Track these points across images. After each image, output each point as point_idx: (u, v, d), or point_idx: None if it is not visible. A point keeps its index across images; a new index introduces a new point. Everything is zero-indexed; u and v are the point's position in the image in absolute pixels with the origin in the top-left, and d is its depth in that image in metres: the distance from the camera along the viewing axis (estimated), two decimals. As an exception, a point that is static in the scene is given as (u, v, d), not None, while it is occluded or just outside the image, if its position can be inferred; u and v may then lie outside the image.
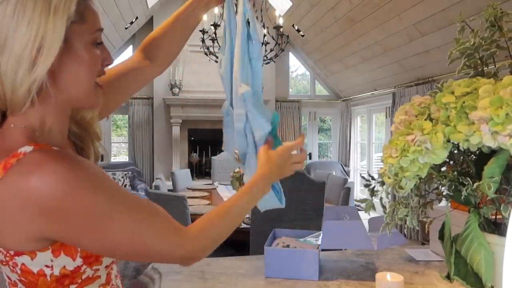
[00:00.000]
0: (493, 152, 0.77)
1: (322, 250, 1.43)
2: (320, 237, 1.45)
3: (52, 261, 0.62)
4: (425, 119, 0.84)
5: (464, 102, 0.76)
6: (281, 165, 0.89)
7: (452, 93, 0.79)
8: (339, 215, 1.58)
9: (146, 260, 0.70)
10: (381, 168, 0.90)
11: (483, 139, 0.72)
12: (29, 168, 0.57)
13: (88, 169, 0.61)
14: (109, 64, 0.72)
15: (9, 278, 0.66)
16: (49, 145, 0.63)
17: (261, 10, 4.92)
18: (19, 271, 0.63)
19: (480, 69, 0.88)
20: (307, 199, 2.74)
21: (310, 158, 7.98)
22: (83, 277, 0.66)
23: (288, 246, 1.40)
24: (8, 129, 0.64)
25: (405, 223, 0.90)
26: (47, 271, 0.62)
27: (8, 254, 0.62)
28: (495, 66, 0.88)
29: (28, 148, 0.60)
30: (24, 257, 0.61)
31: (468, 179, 0.79)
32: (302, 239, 1.47)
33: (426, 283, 1.26)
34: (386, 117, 6.36)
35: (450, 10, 3.86)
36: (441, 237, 0.87)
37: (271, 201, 0.96)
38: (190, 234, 0.70)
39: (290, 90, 8.05)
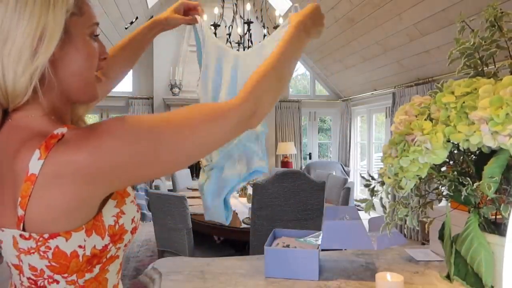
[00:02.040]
0: (493, 152, 0.77)
1: (322, 250, 1.43)
2: (320, 237, 1.45)
3: (85, 241, 0.63)
4: (425, 119, 0.84)
5: (464, 102, 0.76)
6: (314, 17, 0.91)
7: (452, 93, 0.79)
8: (339, 215, 1.57)
9: (219, 142, 0.72)
10: (381, 168, 0.90)
11: (483, 139, 0.72)
12: (75, 143, 0.60)
13: (122, 124, 0.63)
14: (105, 58, 0.74)
15: (33, 268, 0.64)
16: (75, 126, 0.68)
17: (261, 10, 4.92)
18: (50, 256, 0.62)
19: (480, 69, 0.88)
20: (307, 199, 2.74)
21: (310, 158, 7.98)
22: (108, 256, 0.69)
23: (288, 246, 1.40)
24: (26, 119, 0.66)
25: (405, 223, 0.90)
26: (80, 252, 0.64)
27: (41, 238, 0.62)
28: (495, 66, 0.88)
29: (63, 130, 0.63)
30: (59, 239, 0.62)
31: (468, 179, 0.79)
32: (302, 239, 1.47)
33: (426, 283, 1.26)
34: (386, 117, 6.36)
35: (450, 10, 3.86)
36: (441, 237, 0.87)
37: (218, 214, 1.03)
38: (239, 97, 0.74)
39: (290, 90, 8.05)
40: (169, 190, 4.27)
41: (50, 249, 0.62)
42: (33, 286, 0.66)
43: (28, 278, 0.66)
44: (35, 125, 0.65)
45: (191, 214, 3.09)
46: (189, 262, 1.47)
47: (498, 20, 0.85)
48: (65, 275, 0.65)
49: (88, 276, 0.67)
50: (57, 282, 0.65)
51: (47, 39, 0.62)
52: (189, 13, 1.13)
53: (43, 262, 0.63)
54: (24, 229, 0.61)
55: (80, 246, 0.63)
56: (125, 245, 0.73)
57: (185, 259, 1.53)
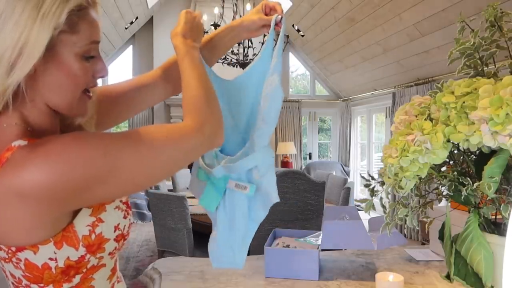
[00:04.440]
0: (493, 152, 0.77)
1: (322, 250, 1.43)
2: (320, 237, 1.45)
3: (55, 253, 0.62)
4: (425, 119, 0.84)
5: (464, 102, 0.76)
6: (187, 22, 0.85)
7: (452, 93, 0.79)
8: (339, 215, 1.57)
9: (172, 170, 0.69)
10: (381, 168, 0.90)
11: (483, 139, 0.72)
12: (20, 162, 0.56)
13: (68, 139, 0.59)
14: (102, 76, 0.70)
15: (12, 276, 0.65)
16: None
17: (261, 10, 4.91)
18: (23, 267, 0.62)
19: (480, 69, 0.88)
20: (307, 199, 2.74)
21: (310, 158, 7.98)
22: (88, 266, 0.66)
23: (288, 246, 1.40)
24: (1, 128, 0.63)
25: (405, 223, 0.90)
26: (52, 264, 0.62)
27: (10, 251, 0.61)
28: (495, 66, 0.88)
29: (22, 142, 0.60)
30: (26, 252, 0.61)
31: (468, 179, 0.79)
32: (302, 239, 1.47)
33: (426, 283, 1.26)
34: (386, 117, 6.36)
35: (450, 10, 3.86)
36: (441, 237, 0.87)
37: (226, 259, 0.93)
38: (182, 126, 0.70)
39: (290, 90, 8.05)
40: (169, 190, 4.27)
41: (21, 260, 0.62)
42: None
43: (12, 283, 0.67)
44: (3, 134, 0.62)
45: (191, 214, 3.09)
46: (189, 262, 1.47)
47: (498, 20, 0.85)
48: (41, 285, 0.64)
49: (66, 286, 0.65)
50: None
51: (25, 57, 0.57)
52: (269, 14, 0.94)
53: (18, 272, 0.63)
54: None
55: (51, 259, 0.62)
56: (110, 253, 0.70)
57: (185, 259, 1.53)
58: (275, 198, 0.90)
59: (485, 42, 0.86)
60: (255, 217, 0.91)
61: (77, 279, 0.66)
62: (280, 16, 0.90)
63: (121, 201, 0.72)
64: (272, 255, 1.33)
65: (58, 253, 0.62)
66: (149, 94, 0.92)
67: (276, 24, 0.90)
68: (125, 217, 0.71)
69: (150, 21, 7.06)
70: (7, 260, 0.64)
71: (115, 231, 0.69)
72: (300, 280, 1.30)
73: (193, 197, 3.97)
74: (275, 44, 0.90)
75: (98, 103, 0.81)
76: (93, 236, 0.65)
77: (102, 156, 0.58)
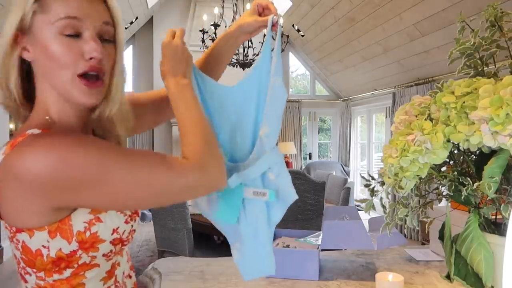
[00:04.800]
0: (493, 152, 0.77)
1: (322, 250, 1.43)
2: (320, 237, 1.45)
3: (48, 242, 0.63)
4: (425, 119, 0.84)
5: (464, 102, 0.76)
6: (171, 55, 0.82)
7: (452, 93, 0.79)
8: (339, 215, 1.57)
9: (162, 201, 0.69)
10: (381, 168, 0.90)
11: (483, 139, 0.72)
12: (24, 148, 0.60)
13: (74, 138, 0.63)
14: (93, 58, 0.66)
15: (15, 256, 0.69)
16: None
17: (261, 10, 4.91)
18: (20, 249, 0.65)
19: (480, 69, 0.88)
20: (307, 199, 2.74)
21: (310, 158, 7.98)
22: (80, 262, 0.66)
23: (288, 246, 1.40)
24: (28, 118, 0.70)
25: (405, 223, 0.90)
26: (44, 252, 0.64)
27: (12, 231, 0.65)
28: (495, 66, 0.88)
29: (35, 131, 0.64)
30: (23, 234, 0.63)
31: (468, 179, 0.79)
32: (302, 239, 1.47)
33: (426, 283, 1.26)
34: (386, 117, 6.36)
35: (450, 10, 3.86)
36: (441, 237, 0.87)
37: (257, 269, 0.90)
38: (184, 162, 0.69)
39: (290, 90, 8.05)
40: (169, 190, 4.25)
41: (19, 242, 0.65)
42: (21, 271, 0.69)
43: (17, 264, 0.70)
44: (26, 123, 0.69)
45: (191, 214, 3.08)
46: (189, 262, 1.47)
47: (498, 20, 0.85)
48: (34, 270, 0.66)
49: (57, 277, 0.66)
50: (29, 274, 0.67)
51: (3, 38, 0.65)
52: (263, 14, 0.91)
53: (18, 253, 0.67)
54: (1, 217, 0.66)
55: (43, 246, 0.64)
56: (105, 255, 0.69)
57: (185, 259, 1.53)
58: (294, 195, 0.89)
59: (485, 42, 0.86)
60: (275, 219, 0.90)
61: (67, 272, 0.67)
62: (275, 17, 0.88)
63: None
64: (272, 255, 1.33)
65: (51, 242, 0.63)
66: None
67: (272, 25, 0.88)
68: (127, 222, 0.71)
69: (150, 21, 7.06)
70: (10, 240, 0.67)
71: (112, 233, 0.68)
72: (300, 280, 1.30)
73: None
74: (273, 45, 0.89)
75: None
76: (87, 233, 0.65)
77: (95, 165, 0.61)
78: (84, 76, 0.67)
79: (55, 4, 0.64)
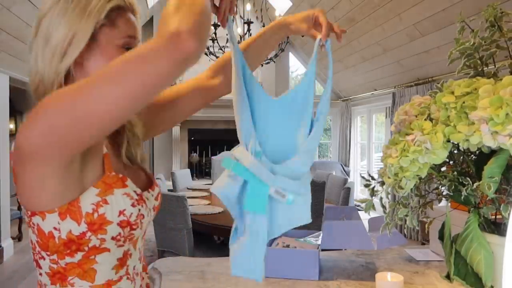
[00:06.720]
0: (493, 152, 0.77)
1: (322, 250, 1.43)
2: (320, 237, 1.45)
3: (59, 223, 0.67)
4: (425, 119, 0.84)
5: (464, 102, 0.76)
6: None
7: (452, 93, 0.79)
8: (339, 215, 1.58)
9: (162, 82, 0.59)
10: (381, 168, 0.90)
11: (483, 139, 0.72)
12: (25, 122, 0.63)
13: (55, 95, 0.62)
14: None
15: (31, 242, 0.72)
16: None
17: (261, 10, 4.93)
18: (36, 232, 0.69)
19: (480, 69, 0.88)
20: (307, 199, 2.74)
21: (310, 158, 7.98)
22: (90, 245, 0.69)
23: (288, 246, 1.40)
24: None
25: (405, 223, 0.90)
26: (56, 234, 0.67)
27: (28, 214, 0.69)
28: (495, 66, 0.88)
29: None
30: (37, 217, 0.67)
31: (468, 179, 0.79)
32: (302, 239, 1.47)
33: (426, 283, 1.26)
34: (386, 117, 6.36)
35: (450, 10, 3.86)
36: (441, 237, 0.87)
37: (247, 268, 0.85)
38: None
39: (290, 90, 8.05)
40: (169, 190, 4.26)
41: (35, 226, 0.69)
42: (36, 257, 0.72)
43: (32, 251, 0.73)
44: None
45: (191, 214, 3.09)
46: (189, 262, 1.47)
47: (498, 20, 0.85)
48: (48, 253, 0.70)
49: (69, 259, 0.69)
50: (43, 258, 0.71)
51: (74, 45, 0.70)
52: (317, 28, 0.92)
53: (34, 237, 0.70)
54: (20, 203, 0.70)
55: (55, 228, 0.67)
56: (114, 239, 0.70)
57: (185, 259, 1.53)
58: (306, 219, 0.85)
59: (485, 42, 0.86)
60: (275, 233, 0.87)
61: (79, 255, 0.70)
62: (323, 40, 0.90)
63: (134, 191, 0.74)
64: (272, 255, 1.33)
65: (61, 224, 0.67)
66: (199, 97, 0.94)
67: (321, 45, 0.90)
68: (133, 206, 0.73)
69: (150, 21, 7.06)
70: (28, 225, 0.71)
71: (119, 215, 0.70)
72: (300, 280, 1.30)
73: (193, 197, 3.97)
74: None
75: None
76: (95, 215, 0.68)
77: (71, 92, 0.60)
78: None
79: (121, 23, 0.76)
